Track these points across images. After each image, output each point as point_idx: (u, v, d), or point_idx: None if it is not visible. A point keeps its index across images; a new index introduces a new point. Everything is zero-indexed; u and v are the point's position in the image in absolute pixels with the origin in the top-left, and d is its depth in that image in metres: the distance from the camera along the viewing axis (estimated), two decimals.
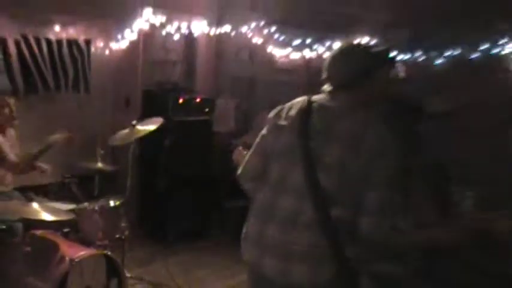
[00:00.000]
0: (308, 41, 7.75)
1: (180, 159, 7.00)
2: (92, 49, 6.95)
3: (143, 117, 6.65)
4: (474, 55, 6.83)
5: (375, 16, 7.36)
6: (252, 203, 2.95)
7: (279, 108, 3.03)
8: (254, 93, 8.43)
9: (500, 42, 6.77)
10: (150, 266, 6.18)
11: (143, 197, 7.01)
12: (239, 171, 3.08)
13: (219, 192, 7.00)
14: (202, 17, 7.89)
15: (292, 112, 2.93)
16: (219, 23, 8.05)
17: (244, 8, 8.11)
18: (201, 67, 8.34)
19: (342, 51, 2.93)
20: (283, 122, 2.93)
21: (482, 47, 6.80)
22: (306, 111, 2.87)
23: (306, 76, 8.00)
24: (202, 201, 7.00)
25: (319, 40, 7.66)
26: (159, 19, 7.34)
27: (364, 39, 7.26)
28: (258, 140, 3.04)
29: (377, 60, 2.92)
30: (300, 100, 2.97)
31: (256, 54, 8.29)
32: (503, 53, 6.79)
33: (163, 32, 7.54)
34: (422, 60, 7.17)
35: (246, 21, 7.95)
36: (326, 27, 7.62)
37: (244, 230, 2.94)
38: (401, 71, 7.16)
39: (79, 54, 6.78)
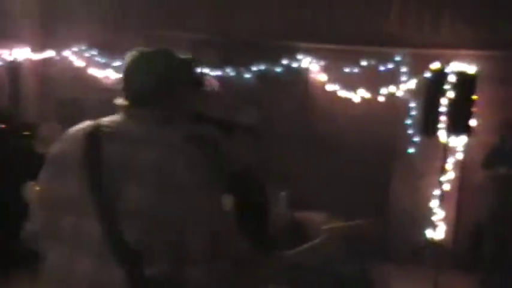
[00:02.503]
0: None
1: None
2: None
3: None
4: (277, 69, 6.55)
5: (190, 36, 6.72)
6: (43, 264, 1.91)
7: (58, 140, 1.94)
8: (80, 113, 7.38)
9: (299, 58, 6.55)
10: None
11: None
12: (25, 231, 2.01)
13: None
14: (25, 43, 7.12)
15: (74, 145, 1.87)
16: (42, 48, 7.23)
17: (66, 35, 7.26)
18: (26, 91, 7.41)
19: (141, 55, 1.92)
20: (63, 160, 1.88)
21: (284, 62, 6.55)
22: (93, 141, 1.83)
23: None
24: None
25: None
26: None
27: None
28: (39, 188, 1.96)
29: (183, 69, 1.99)
30: (84, 126, 1.90)
31: (79, 76, 7.36)
32: (302, 68, 6.62)
33: None
34: (233, 75, 6.67)
35: (67, 46, 7.20)
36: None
37: None
38: (215, 86, 6.50)
39: None
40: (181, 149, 1.83)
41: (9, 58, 6.87)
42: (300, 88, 6.59)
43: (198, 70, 2.46)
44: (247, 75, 6.54)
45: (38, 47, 7.21)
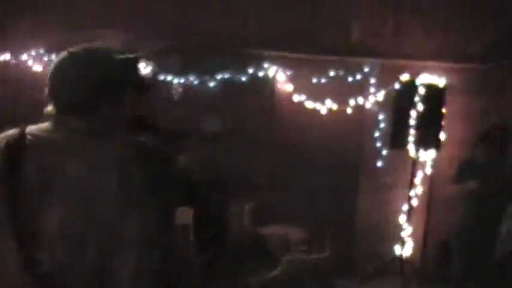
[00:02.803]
0: None
1: None
2: None
3: None
4: (243, 77, 6.23)
5: (151, 42, 6.25)
6: None
7: None
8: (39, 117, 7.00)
9: (265, 66, 6.26)
10: None
11: None
12: None
13: None
14: None
15: None
16: None
17: (24, 36, 6.81)
18: None
19: (68, 54, 1.65)
20: None
21: (250, 71, 6.24)
22: (15, 150, 1.57)
23: None
24: None
25: None
26: None
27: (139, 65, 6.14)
28: None
29: (123, 69, 1.71)
30: (6, 135, 1.63)
31: (39, 79, 6.88)
32: (268, 77, 6.31)
33: None
34: (197, 83, 6.33)
35: (26, 49, 6.75)
36: None
37: None
38: (176, 94, 6.24)
39: None
40: (113, 164, 1.56)
41: None
42: (266, 98, 6.32)
43: (145, 71, 2.16)
44: (211, 83, 6.23)
45: None
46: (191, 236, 5.05)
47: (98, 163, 1.55)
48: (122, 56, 1.73)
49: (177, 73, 6.17)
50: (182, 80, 6.20)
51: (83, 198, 1.51)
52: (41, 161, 1.54)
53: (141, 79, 2.19)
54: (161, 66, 6.07)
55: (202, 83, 6.25)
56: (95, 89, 1.62)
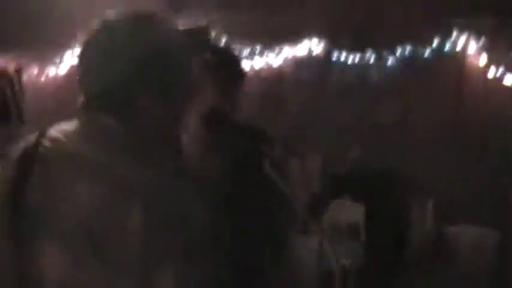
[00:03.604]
0: (257, 50, 6.02)
1: None
2: (25, 77, 5.33)
3: None
4: (427, 52, 5.38)
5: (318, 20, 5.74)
6: None
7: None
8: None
9: (453, 38, 5.33)
10: None
11: None
12: None
13: None
14: None
15: (3, 174, 1.16)
16: None
17: None
18: None
19: (105, 24, 1.14)
20: None
21: (435, 43, 5.36)
22: (28, 162, 1.11)
23: None
24: None
25: (268, 48, 5.89)
26: None
27: (313, 43, 5.66)
28: None
29: (184, 47, 1.17)
30: (21, 144, 1.16)
31: None
32: (456, 49, 5.34)
33: None
34: (374, 60, 5.60)
35: None
36: (273, 35, 5.85)
37: None
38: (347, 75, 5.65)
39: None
40: (154, 192, 1.04)
41: None
42: (453, 75, 5.42)
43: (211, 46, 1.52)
44: (389, 61, 5.49)
45: None
46: (361, 236, 4.49)
47: (130, 188, 1.04)
48: (188, 29, 1.22)
49: (349, 50, 5.54)
50: (356, 59, 5.55)
51: (97, 241, 1.03)
52: (50, 180, 1.07)
53: (220, 58, 1.56)
54: (333, 43, 5.51)
55: (379, 61, 5.55)
56: (139, 72, 1.09)
